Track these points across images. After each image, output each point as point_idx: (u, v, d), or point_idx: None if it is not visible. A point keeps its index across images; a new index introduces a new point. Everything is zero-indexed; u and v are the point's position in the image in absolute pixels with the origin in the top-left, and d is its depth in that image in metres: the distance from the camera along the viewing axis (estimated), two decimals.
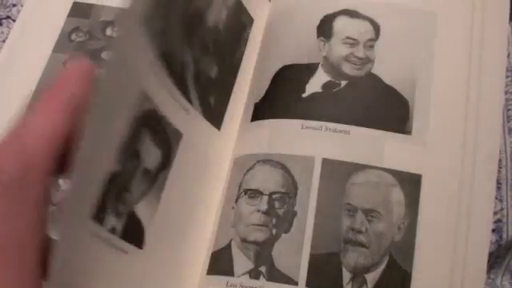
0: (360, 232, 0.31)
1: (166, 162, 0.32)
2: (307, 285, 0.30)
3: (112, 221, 0.30)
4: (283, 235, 0.32)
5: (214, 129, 0.35)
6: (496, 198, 0.32)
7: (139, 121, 0.29)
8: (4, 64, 0.38)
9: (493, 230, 0.32)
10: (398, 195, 0.31)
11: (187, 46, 0.32)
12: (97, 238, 0.28)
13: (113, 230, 0.29)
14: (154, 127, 0.30)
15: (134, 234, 0.30)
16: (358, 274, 0.30)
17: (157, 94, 0.29)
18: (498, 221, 0.32)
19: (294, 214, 0.32)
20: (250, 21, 0.39)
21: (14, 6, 0.40)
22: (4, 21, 0.40)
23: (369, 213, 0.31)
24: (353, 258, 0.31)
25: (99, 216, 0.28)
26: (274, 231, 0.32)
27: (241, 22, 0.38)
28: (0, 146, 0.22)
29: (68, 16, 0.41)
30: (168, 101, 0.31)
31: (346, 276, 0.30)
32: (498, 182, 0.32)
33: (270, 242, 0.32)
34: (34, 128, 0.23)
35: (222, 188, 0.35)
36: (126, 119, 0.28)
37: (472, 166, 0.32)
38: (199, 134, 0.34)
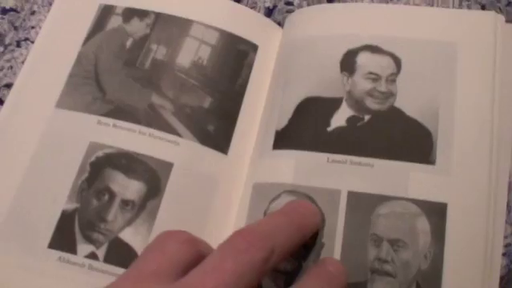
0: (386, 262, 0.32)
1: (153, 191, 0.35)
2: None
3: (88, 248, 0.33)
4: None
5: (218, 153, 0.37)
6: (506, 222, 0.32)
7: (98, 164, 0.35)
8: (23, 85, 0.38)
9: (503, 254, 0.32)
10: (423, 224, 0.32)
11: (155, 93, 0.37)
12: (66, 263, 0.32)
13: (93, 256, 0.33)
14: (125, 166, 0.35)
15: (121, 257, 0.33)
16: None
17: (115, 140, 0.35)
18: (508, 245, 0.32)
19: (322, 245, 0.32)
20: (252, 47, 0.40)
21: (33, 28, 0.40)
22: (23, 43, 0.40)
23: (394, 242, 0.32)
24: (380, 286, 0.31)
25: (69, 246, 0.33)
26: (302, 262, 0.32)
27: (237, 51, 0.40)
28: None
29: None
30: (142, 140, 0.36)
31: None
32: (508, 205, 0.33)
33: (299, 272, 0.32)
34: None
35: (238, 211, 0.35)
36: (74, 166, 0.35)
37: (495, 195, 0.33)
38: (197, 160, 0.36)
